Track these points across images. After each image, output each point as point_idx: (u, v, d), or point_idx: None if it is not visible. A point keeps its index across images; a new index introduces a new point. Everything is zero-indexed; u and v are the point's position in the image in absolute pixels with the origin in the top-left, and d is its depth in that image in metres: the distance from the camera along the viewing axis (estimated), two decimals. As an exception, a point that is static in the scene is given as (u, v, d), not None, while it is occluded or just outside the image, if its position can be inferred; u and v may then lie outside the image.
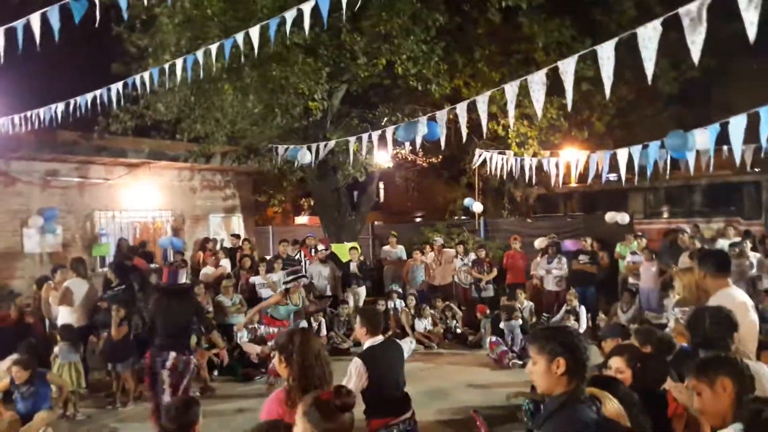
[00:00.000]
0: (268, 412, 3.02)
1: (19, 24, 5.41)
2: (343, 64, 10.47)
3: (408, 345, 4.68)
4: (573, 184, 16.11)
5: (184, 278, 6.38)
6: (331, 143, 8.65)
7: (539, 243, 12.05)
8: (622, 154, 6.72)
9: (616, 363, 3.65)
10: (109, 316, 7.96)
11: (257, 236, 15.70)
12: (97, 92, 6.83)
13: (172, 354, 5.81)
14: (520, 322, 9.44)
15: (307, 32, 5.02)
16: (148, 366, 5.96)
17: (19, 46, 5.52)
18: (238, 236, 13.55)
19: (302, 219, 25.58)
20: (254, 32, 5.33)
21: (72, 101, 7.12)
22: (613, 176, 9.79)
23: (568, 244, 12.48)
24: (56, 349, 7.35)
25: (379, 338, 4.27)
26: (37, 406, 6.38)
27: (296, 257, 11.76)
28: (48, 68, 11.57)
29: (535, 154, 11.38)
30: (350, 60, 10.33)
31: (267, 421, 2.78)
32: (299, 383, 3.01)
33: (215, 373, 8.59)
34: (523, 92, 5.10)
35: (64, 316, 8.29)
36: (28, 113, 7.85)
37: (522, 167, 9.64)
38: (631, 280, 10.87)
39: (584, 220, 14.30)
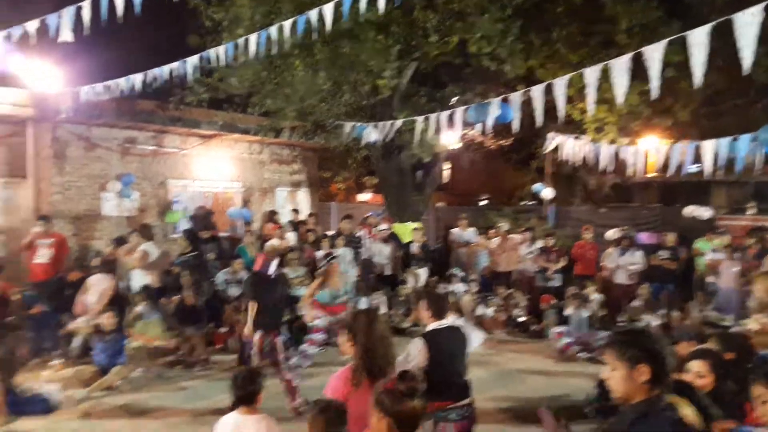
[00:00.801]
0: (334, 389, 3.13)
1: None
2: (414, 41, 10.30)
3: (478, 336, 4.62)
4: (651, 174, 15.40)
5: (274, 268, 6.64)
6: (398, 122, 8.54)
7: (611, 234, 11.58)
8: (708, 146, 6.32)
9: (698, 366, 3.48)
10: (178, 281, 8.28)
11: (320, 211, 15.86)
12: (174, 65, 6.99)
13: (259, 333, 6.13)
14: (589, 312, 9.16)
15: (381, 10, 4.92)
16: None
17: (102, 17, 5.71)
18: (297, 211, 13.68)
19: (365, 196, 25.70)
20: (328, 9, 5.29)
21: (150, 72, 7.33)
22: (695, 167, 9.25)
23: (643, 237, 11.99)
24: (140, 309, 7.68)
25: (445, 322, 4.22)
26: (114, 359, 6.85)
27: (358, 235, 11.79)
28: (128, 39, 11.93)
29: (612, 141, 10.90)
30: (422, 38, 10.15)
31: (326, 400, 2.95)
32: (363, 363, 3.10)
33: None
34: (603, 76, 4.86)
35: (140, 278, 8.68)
36: (110, 82, 8.13)
37: (598, 154, 9.25)
38: (709, 278, 10.32)
39: (661, 213, 13.69)
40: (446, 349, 4.08)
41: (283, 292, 6.85)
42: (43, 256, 8.78)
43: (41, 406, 5.89)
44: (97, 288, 7.92)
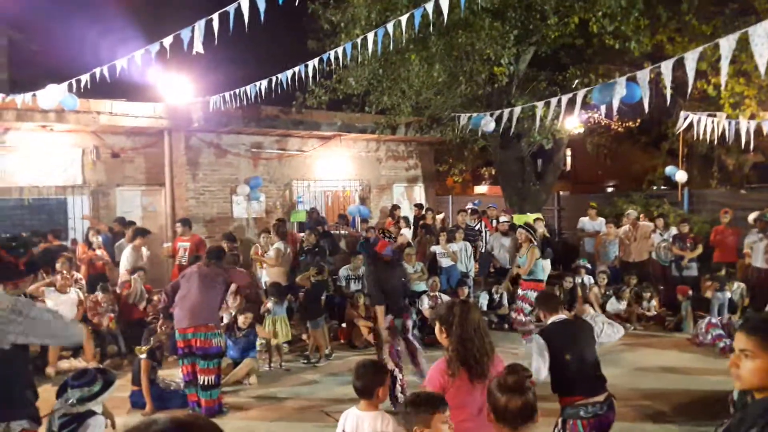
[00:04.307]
0: (430, 380, 3.19)
1: (231, 8, 5.87)
2: (531, 25, 10.01)
3: (617, 330, 4.57)
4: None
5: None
6: (517, 110, 8.31)
7: (753, 217, 10.64)
8: None
9: None
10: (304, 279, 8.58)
11: (437, 205, 15.87)
12: (296, 69, 7.24)
13: (388, 317, 6.39)
14: (729, 295, 8.52)
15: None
16: None
17: (230, 28, 6.01)
18: (421, 206, 13.77)
19: (482, 188, 25.41)
20: (444, 0, 5.24)
21: (274, 78, 7.63)
22: None
23: (790, 220, 10.88)
24: (269, 305, 8.05)
25: (561, 316, 4.27)
26: (246, 353, 7.22)
27: (476, 227, 11.67)
28: (249, 47, 12.54)
29: (752, 116, 10.02)
30: (539, 21, 9.84)
31: (427, 392, 2.90)
32: (458, 354, 3.12)
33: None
34: (740, 46, 4.46)
35: (270, 275, 9.10)
36: (237, 90, 8.56)
37: (737, 131, 8.53)
38: None
39: (811, 192, 12.37)
40: (566, 342, 4.05)
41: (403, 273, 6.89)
42: (183, 257, 9.45)
43: (178, 400, 6.26)
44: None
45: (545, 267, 10.78)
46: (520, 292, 8.81)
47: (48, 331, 3.05)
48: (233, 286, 8.24)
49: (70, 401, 3.75)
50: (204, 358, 5.91)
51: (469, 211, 11.89)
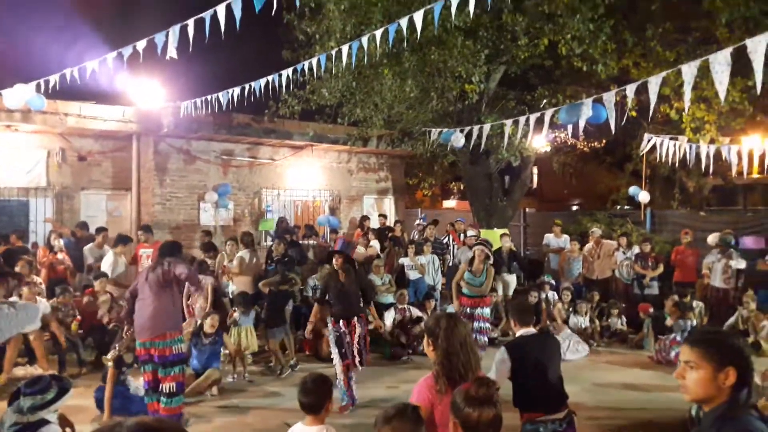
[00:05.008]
0: (419, 395, 3.06)
1: (207, 15, 5.87)
2: (502, 45, 10.24)
3: (581, 348, 4.61)
4: (755, 175, 14.47)
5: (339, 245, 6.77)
6: (486, 127, 8.46)
7: (712, 239, 10.98)
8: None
9: None
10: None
11: (406, 218, 15.96)
12: (269, 77, 7.25)
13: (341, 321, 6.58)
14: (693, 322, 8.74)
15: (471, 16, 4.93)
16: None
17: (206, 34, 6.00)
18: (385, 216, 13.81)
19: (450, 203, 25.62)
20: (418, 16, 5.34)
21: (247, 86, 7.63)
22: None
23: (748, 242, 11.28)
24: (236, 315, 7.95)
25: (531, 330, 4.21)
26: (209, 363, 7.08)
27: (444, 241, 11.79)
28: (224, 55, 12.51)
29: (712, 141, 10.37)
30: (510, 41, 10.07)
31: (402, 404, 2.69)
32: (443, 368, 3.04)
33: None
34: (701, 73, 4.65)
35: (237, 284, 9.01)
36: (209, 97, 8.51)
37: (697, 155, 8.85)
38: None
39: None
40: (532, 357, 4.02)
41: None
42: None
43: (138, 406, 6.09)
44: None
45: (510, 282, 10.99)
46: (469, 310, 8.43)
47: (17, 322, 3.05)
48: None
49: (14, 408, 3.59)
50: (164, 366, 5.79)
51: (419, 226, 12.05)
